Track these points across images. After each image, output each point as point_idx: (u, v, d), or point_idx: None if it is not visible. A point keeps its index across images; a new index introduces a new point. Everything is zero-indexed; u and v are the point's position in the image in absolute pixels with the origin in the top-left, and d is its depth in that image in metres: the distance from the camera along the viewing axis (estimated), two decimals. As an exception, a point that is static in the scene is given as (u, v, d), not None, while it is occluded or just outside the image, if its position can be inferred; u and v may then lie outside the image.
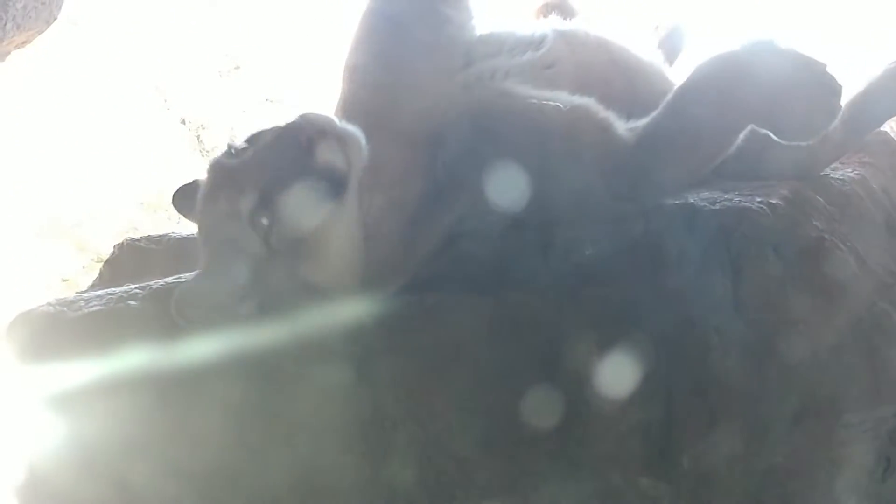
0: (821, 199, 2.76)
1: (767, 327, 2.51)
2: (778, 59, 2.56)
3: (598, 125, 2.69)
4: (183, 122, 18.99)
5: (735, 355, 2.47)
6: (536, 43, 2.99)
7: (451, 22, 2.92)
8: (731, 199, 2.64)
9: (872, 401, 2.61)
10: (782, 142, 2.61)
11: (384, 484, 2.52)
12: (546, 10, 3.69)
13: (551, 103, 2.69)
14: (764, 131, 2.60)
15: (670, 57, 4.09)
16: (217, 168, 2.66)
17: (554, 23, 3.19)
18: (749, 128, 2.62)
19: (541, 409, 2.49)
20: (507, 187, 2.56)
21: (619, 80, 3.04)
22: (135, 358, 2.52)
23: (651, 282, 2.53)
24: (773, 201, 2.62)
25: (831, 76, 2.56)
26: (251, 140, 2.60)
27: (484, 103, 2.72)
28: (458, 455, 2.51)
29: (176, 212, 3.01)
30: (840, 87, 2.56)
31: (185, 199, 2.90)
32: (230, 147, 2.61)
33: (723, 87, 2.59)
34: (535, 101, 2.70)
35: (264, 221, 2.45)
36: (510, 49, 2.96)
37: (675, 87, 2.71)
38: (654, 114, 2.70)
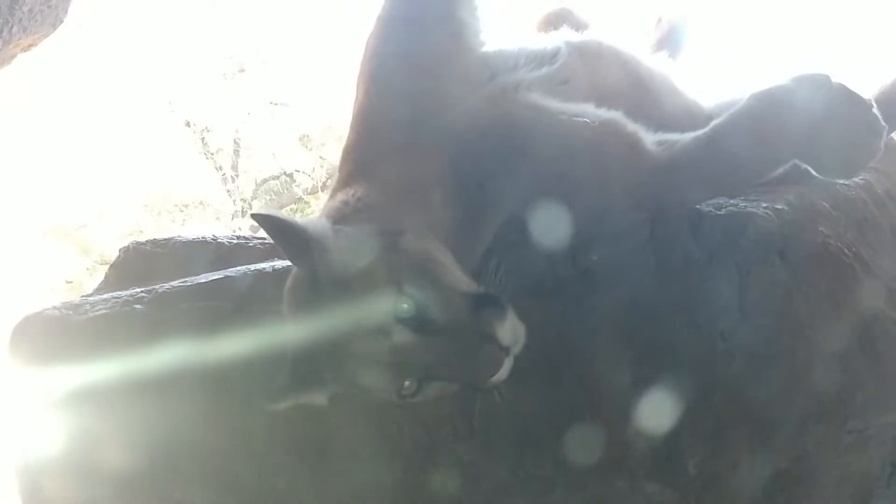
0: (826, 205, 2.76)
1: (773, 333, 2.51)
2: (827, 95, 2.55)
3: (626, 141, 2.65)
4: (187, 124, 19.04)
5: (741, 360, 2.47)
6: (550, 57, 2.95)
7: (468, 28, 2.90)
8: (736, 205, 2.63)
9: (878, 407, 2.61)
10: (820, 176, 2.63)
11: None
12: (549, 23, 3.68)
13: (580, 119, 2.66)
14: (805, 167, 2.61)
15: (674, 52, 4.09)
16: None
17: (566, 35, 3.17)
18: (790, 163, 2.62)
19: (545, 414, 2.49)
20: (540, 208, 2.55)
21: (633, 92, 3.01)
22: (141, 361, 2.52)
23: (657, 287, 2.53)
24: (779, 206, 2.62)
25: (876, 116, 2.55)
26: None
27: (512, 117, 2.68)
28: (462, 459, 2.51)
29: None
30: (884, 127, 2.55)
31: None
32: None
33: (769, 122, 2.56)
34: (563, 115, 2.67)
35: None
36: (526, 63, 2.92)
37: (720, 119, 2.65)
38: (693, 139, 2.65)
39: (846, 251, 2.70)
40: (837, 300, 2.62)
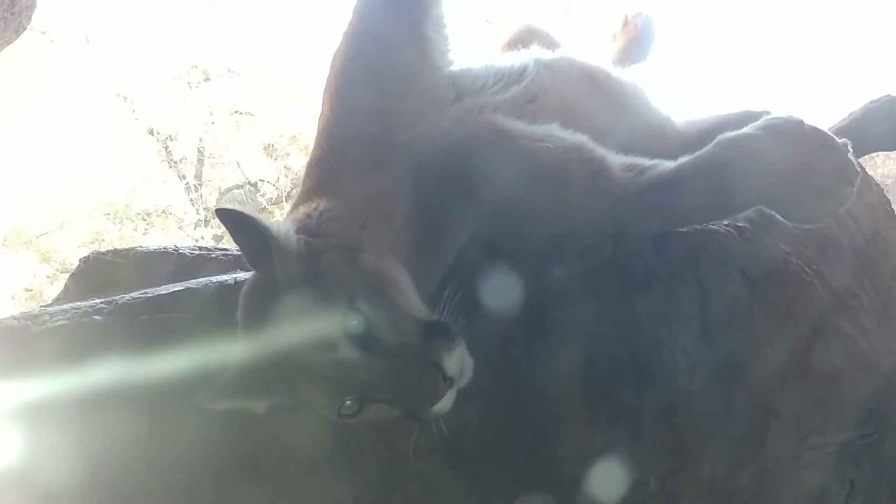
0: (787, 222, 2.77)
1: (734, 349, 2.53)
2: (798, 143, 2.47)
3: (590, 167, 2.61)
4: (151, 132, 18.96)
5: (702, 377, 2.49)
6: (517, 75, 2.96)
7: (435, 46, 2.91)
8: (699, 222, 2.65)
9: (837, 424, 2.63)
10: (787, 222, 2.56)
11: (350, 504, 2.52)
12: (515, 41, 3.64)
13: (542, 144, 2.64)
14: (770, 212, 2.55)
15: (643, 54, 4.12)
16: None
17: (535, 53, 3.16)
18: (755, 208, 2.59)
19: (508, 429, 2.49)
20: (494, 223, 2.57)
21: (603, 110, 3.01)
22: (99, 373, 2.50)
23: (620, 303, 2.54)
24: (740, 224, 2.64)
25: (850, 162, 2.48)
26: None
27: (475, 140, 2.66)
28: (424, 474, 2.50)
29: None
30: (857, 174, 2.48)
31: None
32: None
33: (734, 172, 2.50)
34: (527, 140, 2.65)
35: None
36: (493, 82, 2.93)
37: (689, 159, 2.58)
38: (658, 173, 2.58)
39: (807, 269, 2.72)
40: (797, 317, 2.64)
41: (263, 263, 2.33)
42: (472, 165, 2.57)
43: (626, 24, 4.25)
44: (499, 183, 2.55)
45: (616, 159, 2.63)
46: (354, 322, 2.24)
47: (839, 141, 2.47)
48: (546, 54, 3.14)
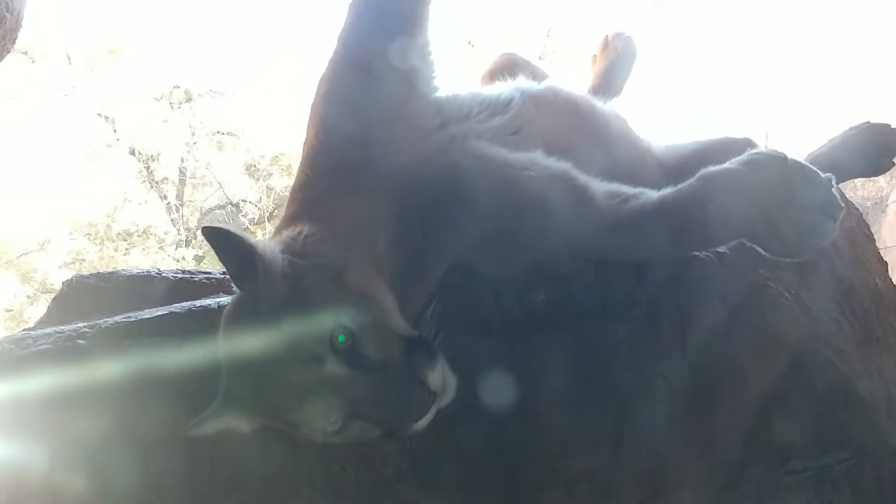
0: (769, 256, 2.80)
1: (713, 374, 2.55)
2: (781, 179, 2.45)
3: (573, 194, 2.64)
4: (133, 152, 18.93)
5: (682, 402, 2.50)
6: (503, 106, 2.98)
7: (420, 74, 2.91)
8: (679, 248, 2.67)
9: (817, 448, 2.65)
10: (769, 255, 2.52)
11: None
12: (497, 71, 3.66)
13: (525, 173, 2.66)
14: (752, 245, 2.53)
15: (623, 76, 4.15)
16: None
17: (521, 84, 3.19)
18: (736, 241, 2.58)
19: (490, 452, 2.50)
20: (478, 249, 2.60)
21: (586, 140, 3.03)
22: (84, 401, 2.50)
23: (601, 328, 2.55)
24: (721, 250, 2.66)
25: (834, 197, 2.45)
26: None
27: (459, 168, 2.69)
28: (406, 499, 2.50)
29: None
30: (841, 208, 2.45)
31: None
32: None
33: (716, 207, 2.50)
34: (510, 168, 2.68)
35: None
36: (479, 111, 2.95)
37: (673, 191, 2.60)
38: (641, 204, 2.60)
39: (786, 294, 2.74)
40: (777, 343, 2.66)
41: (248, 281, 2.35)
42: (456, 193, 2.61)
43: (606, 45, 4.26)
44: (482, 211, 2.59)
45: (600, 186, 2.66)
46: (341, 337, 2.26)
47: (823, 176, 2.46)
48: (532, 86, 3.16)
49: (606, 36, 4.29)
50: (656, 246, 2.61)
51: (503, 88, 3.11)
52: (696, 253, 2.64)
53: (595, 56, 4.29)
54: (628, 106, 3.71)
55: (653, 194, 2.59)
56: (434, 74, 2.94)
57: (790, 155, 2.49)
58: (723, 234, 2.55)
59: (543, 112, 3.03)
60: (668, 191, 2.57)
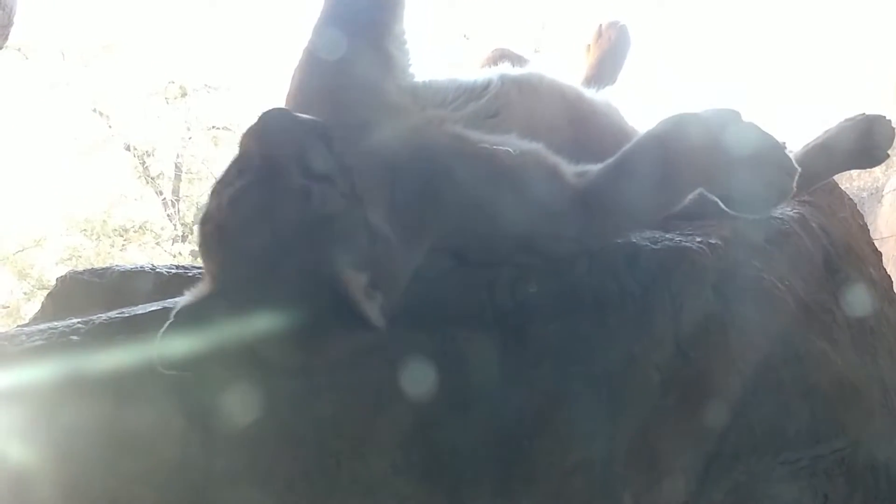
0: (760, 238, 2.81)
1: (707, 365, 2.55)
2: (738, 131, 2.54)
3: (546, 170, 2.69)
4: (128, 148, 18.91)
5: (676, 393, 2.51)
6: (479, 90, 2.99)
7: (396, 63, 2.93)
8: (671, 239, 2.68)
9: (810, 439, 2.66)
10: (731, 211, 2.61)
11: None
12: (489, 64, 3.65)
13: (502, 148, 2.69)
14: (713, 198, 2.60)
15: (617, 65, 4.14)
16: None
17: (503, 69, 3.19)
18: (698, 191, 2.63)
19: (485, 445, 2.50)
20: (459, 228, 2.60)
21: (568, 128, 3.05)
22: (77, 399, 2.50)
23: (594, 319, 2.56)
24: (713, 241, 2.67)
25: (788, 157, 2.56)
26: None
27: (436, 146, 2.71)
28: (401, 492, 2.51)
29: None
30: (796, 169, 2.54)
31: None
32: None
33: (675, 149, 2.58)
34: (486, 145, 2.70)
35: None
36: (455, 97, 2.96)
37: (630, 143, 2.71)
38: (604, 165, 2.70)
39: (779, 284, 2.75)
40: (770, 333, 2.67)
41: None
42: (433, 168, 2.63)
43: (599, 35, 4.24)
44: (460, 183, 2.61)
45: (568, 168, 2.71)
46: None
47: (776, 136, 2.56)
48: (514, 71, 3.18)
49: (600, 25, 4.26)
50: (622, 207, 2.67)
51: (483, 73, 3.13)
52: (689, 244, 2.64)
53: (589, 45, 4.27)
54: (623, 96, 3.70)
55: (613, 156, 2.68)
56: (410, 62, 2.96)
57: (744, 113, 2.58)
58: (685, 179, 2.62)
59: (527, 95, 3.04)
60: (628, 145, 2.70)
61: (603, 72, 4.08)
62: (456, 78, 3.07)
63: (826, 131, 3.31)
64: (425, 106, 2.90)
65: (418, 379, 2.48)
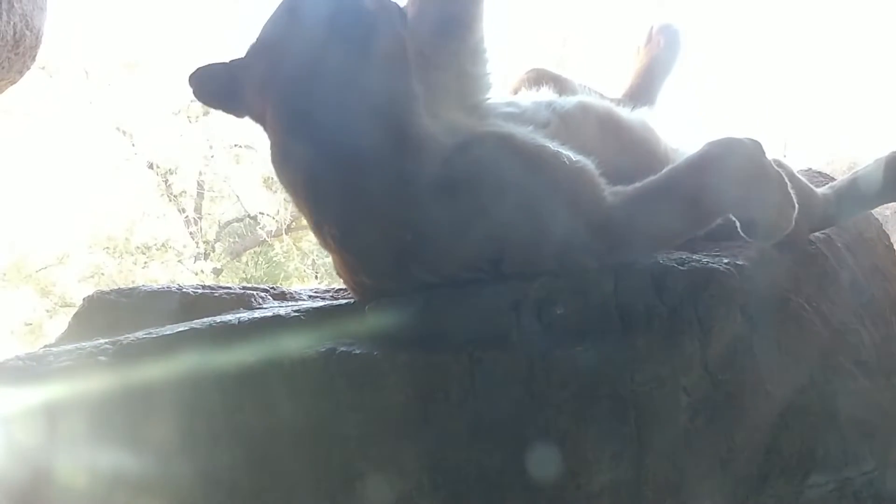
0: (787, 260, 2.80)
1: (735, 387, 2.54)
2: (756, 159, 2.63)
3: (593, 183, 2.71)
4: (151, 166, 18.99)
5: (703, 416, 2.49)
6: (542, 125, 2.97)
7: (475, 80, 3.02)
8: (699, 260, 2.67)
9: (838, 462, 2.64)
10: (747, 238, 2.68)
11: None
12: (525, 85, 3.58)
13: (556, 158, 2.70)
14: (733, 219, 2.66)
15: (666, 70, 4.01)
16: None
17: (551, 99, 3.20)
18: (720, 219, 2.68)
19: (511, 468, 2.50)
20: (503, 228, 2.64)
21: (612, 155, 2.97)
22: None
23: (621, 341, 2.55)
24: (740, 262, 2.66)
25: (791, 194, 2.63)
26: None
27: (487, 137, 2.74)
28: (427, 514, 2.51)
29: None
30: (795, 207, 2.63)
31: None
32: None
33: (701, 183, 2.64)
34: (546, 149, 2.73)
35: None
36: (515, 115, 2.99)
37: (661, 172, 2.75)
38: (637, 188, 2.72)
39: (806, 306, 2.74)
40: (798, 355, 2.65)
41: None
42: (480, 160, 2.66)
43: (649, 39, 4.07)
44: (510, 178, 2.65)
45: (607, 186, 2.74)
46: None
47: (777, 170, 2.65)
48: (562, 103, 3.16)
49: (651, 28, 4.08)
50: (651, 231, 2.72)
51: (538, 106, 3.12)
52: (716, 266, 2.63)
53: (638, 48, 4.11)
54: (661, 111, 3.69)
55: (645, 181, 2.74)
56: (490, 83, 3.04)
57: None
58: (709, 212, 2.70)
59: (573, 132, 3.01)
60: (666, 169, 2.78)
61: (648, 82, 3.98)
62: (514, 100, 3.13)
63: (866, 166, 3.25)
64: (488, 115, 2.96)
65: (444, 401, 2.49)
